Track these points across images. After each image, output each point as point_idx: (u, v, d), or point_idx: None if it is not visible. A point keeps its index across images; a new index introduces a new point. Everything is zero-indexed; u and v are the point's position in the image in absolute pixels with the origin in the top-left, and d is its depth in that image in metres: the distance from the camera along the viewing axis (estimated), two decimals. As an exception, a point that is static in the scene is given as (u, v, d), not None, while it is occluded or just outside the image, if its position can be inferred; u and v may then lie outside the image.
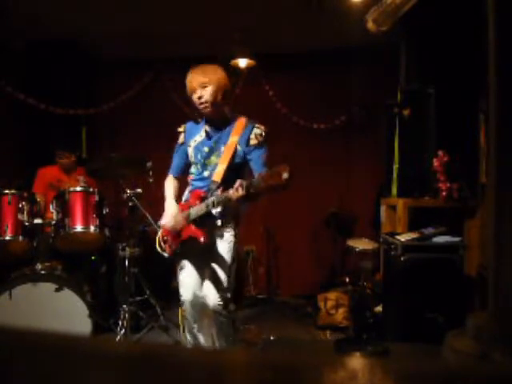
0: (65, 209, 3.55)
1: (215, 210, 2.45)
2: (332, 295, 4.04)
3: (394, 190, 4.01)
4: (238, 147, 2.48)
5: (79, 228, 3.53)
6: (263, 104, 5.23)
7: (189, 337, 2.66)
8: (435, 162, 3.61)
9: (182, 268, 2.61)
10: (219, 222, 2.50)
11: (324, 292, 4.28)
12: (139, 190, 3.64)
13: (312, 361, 0.44)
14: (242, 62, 4.99)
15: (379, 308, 3.80)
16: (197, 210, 2.45)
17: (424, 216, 3.73)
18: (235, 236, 2.57)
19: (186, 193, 2.67)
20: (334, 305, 3.94)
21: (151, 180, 3.82)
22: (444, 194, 3.58)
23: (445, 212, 3.73)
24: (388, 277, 3.61)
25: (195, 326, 2.61)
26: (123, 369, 0.45)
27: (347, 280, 4.68)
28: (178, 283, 2.66)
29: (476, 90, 3.55)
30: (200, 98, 2.46)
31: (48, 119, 4.96)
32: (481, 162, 3.64)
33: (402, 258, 3.24)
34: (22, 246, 3.52)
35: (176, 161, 2.72)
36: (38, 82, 5.01)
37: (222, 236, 2.54)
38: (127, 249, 3.68)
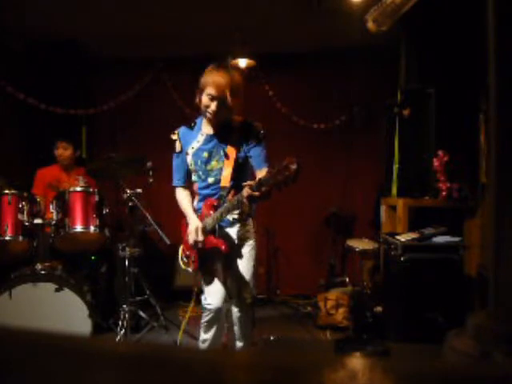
0: (65, 209, 3.55)
1: (231, 216, 2.45)
2: (332, 295, 4.04)
3: (394, 190, 4.02)
4: (240, 148, 2.45)
5: (79, 228, 3.53)
6: (263, 104, 5.23)
7: (207, 336, 2.64)
8: (435, 162, 3.61)
9: (207, 277, 2.59)
10: (237, 226, 2.52)
11: (324, 292, 4.28)
12: (139, 190, 3.65)
13: (312, 361, 0.44)
14: (242, 62, 4.99)
15: (379, 308, 3.80)
16: (212, 219, 2.42)
17: (424, 216, 3.74)
18: (255, 233, 2.61)
19: (196, 203, 2.61)
20: (333, 305, 3.94)
21: (151, 180, 3.82)
22: (444, 194, 3.58)
23: (445, 212, 3.73)
24: (388, 277, 3.61)
25: (217, 329, 2.62)
26: (123, 369, 0.45)
27: (347, 280, 4.69)
28: (203, 292, 2.63)
29: (476, 90, 3.55)
30: (207, 106, 2.36)
31: (48, 119, 4.96)
32: (481, 162, 3.63)
33: (402, 258, 3.24)
34: (22, 246, 3.52)
35: (179, 170, 2.62)
36: (38, 82, 5.01)
37: (243, 237, 2.55)
38: (127, 249, 3.68)
